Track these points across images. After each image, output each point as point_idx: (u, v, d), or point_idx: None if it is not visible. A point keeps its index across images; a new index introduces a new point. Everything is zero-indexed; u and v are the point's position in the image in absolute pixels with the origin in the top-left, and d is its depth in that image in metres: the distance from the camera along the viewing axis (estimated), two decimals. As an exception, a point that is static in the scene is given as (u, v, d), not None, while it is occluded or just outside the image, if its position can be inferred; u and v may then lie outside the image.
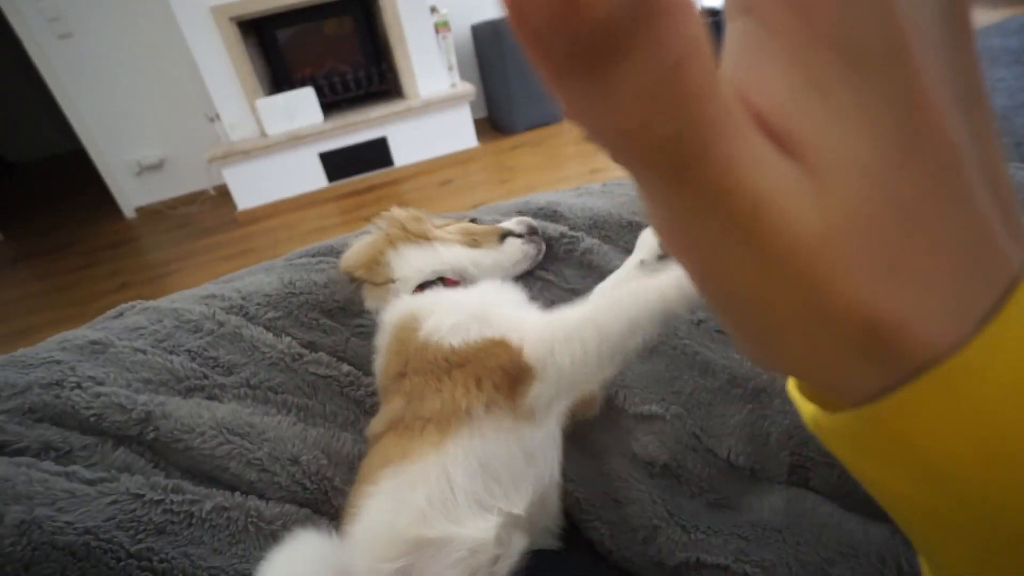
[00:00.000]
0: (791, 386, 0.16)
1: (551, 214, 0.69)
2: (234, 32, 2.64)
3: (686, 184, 0.10)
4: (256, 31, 2.85)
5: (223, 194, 3.15)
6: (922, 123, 0.11)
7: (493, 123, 3.46)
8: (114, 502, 0.43)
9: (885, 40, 0.10)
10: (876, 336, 0.11)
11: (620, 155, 0.11)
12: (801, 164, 0.11)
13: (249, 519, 0.46)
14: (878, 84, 0.11)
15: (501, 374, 0.45)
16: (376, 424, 0.51)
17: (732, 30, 0.12)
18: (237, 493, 0.48)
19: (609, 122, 0.10)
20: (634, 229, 0.65)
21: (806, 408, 0.15)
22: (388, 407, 0.50)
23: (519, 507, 0.45)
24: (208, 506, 0.45)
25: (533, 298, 0.64)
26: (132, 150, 3.19)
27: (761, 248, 0.11)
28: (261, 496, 0.49)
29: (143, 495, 0.44)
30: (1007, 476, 0.12)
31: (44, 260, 2.87)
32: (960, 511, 0.12)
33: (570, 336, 0.45)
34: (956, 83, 0.11)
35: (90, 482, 0.44)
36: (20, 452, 0.45)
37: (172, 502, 0.45)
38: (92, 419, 0.47)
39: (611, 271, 0.63)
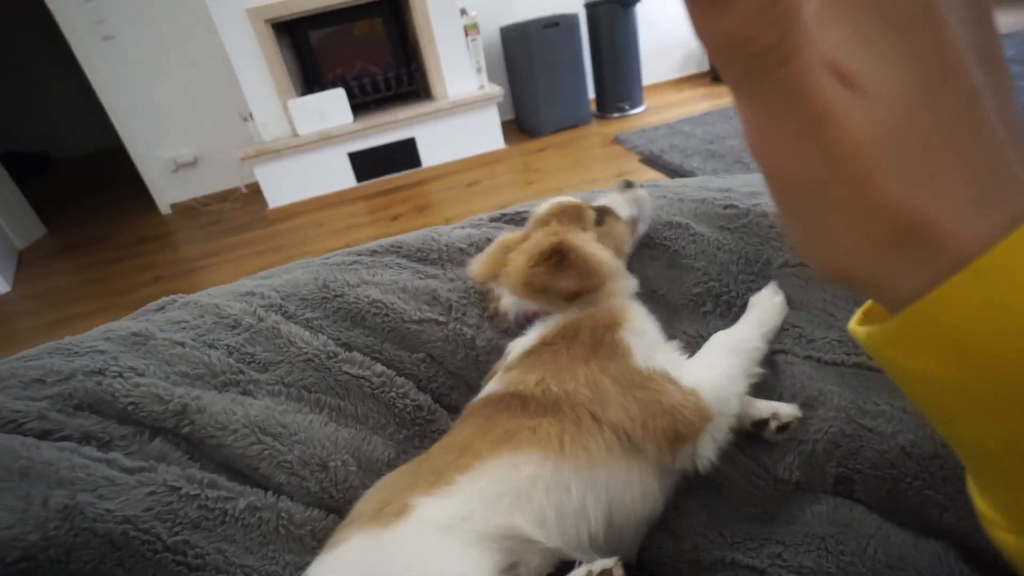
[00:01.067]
0: (852, 323, 0.19)
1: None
2: (268, 33, 2.69)
3: (778, 82, 0.14)
4: (289, 33, 2.90)
5: (254, 192, 3.22)
6: (947, 68, 0.14)
7: (520, 125, 3.46)
8: (152, 492, 0.43)
9: (918, 5, 0.14)
10: (914, 229, 0.15)
11: (733, 60, 0.14)
12: (858, 93, 0.14)
13: (280, 521, 0.46)
14: (914, 37, 0.14)
15: (670, 419, 0.46)
16: (494, 386, 0.51)
17: (807, 5, 0.15)
18: (269, 493, 0.48)
19: (730, 31, 0.13)
20: (673, 228, 0.64)
21: (861, 332, 0.18)
22: (514, 376, 0.50)
23: (627, 551, 0.46)
24: (242, 504, 0.46)
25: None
26: (168, 148, 3.28)
27: (826, 144, 0.14)
28: (291, 498, 0.49)
29: (180, 488, 0.44)
30: None
31: (83, 252, 2.96)
32: (996, 390, 0.15)
33: (731, 384, 0.48)
34: (977, 45, 0.15)
35: (129, 471, 0.45)
36: (63, 440, 0.46)
37: (207, 498, 0.45)
38: (131, 408, 0.48)
39: (647, 278, 0.62)
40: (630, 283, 0.58)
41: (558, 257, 0.53)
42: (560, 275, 0.52)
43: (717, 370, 0.49)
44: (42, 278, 2.73)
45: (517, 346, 0.55)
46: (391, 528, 0.41)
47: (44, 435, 0.46)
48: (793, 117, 0.14)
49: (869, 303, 0.19)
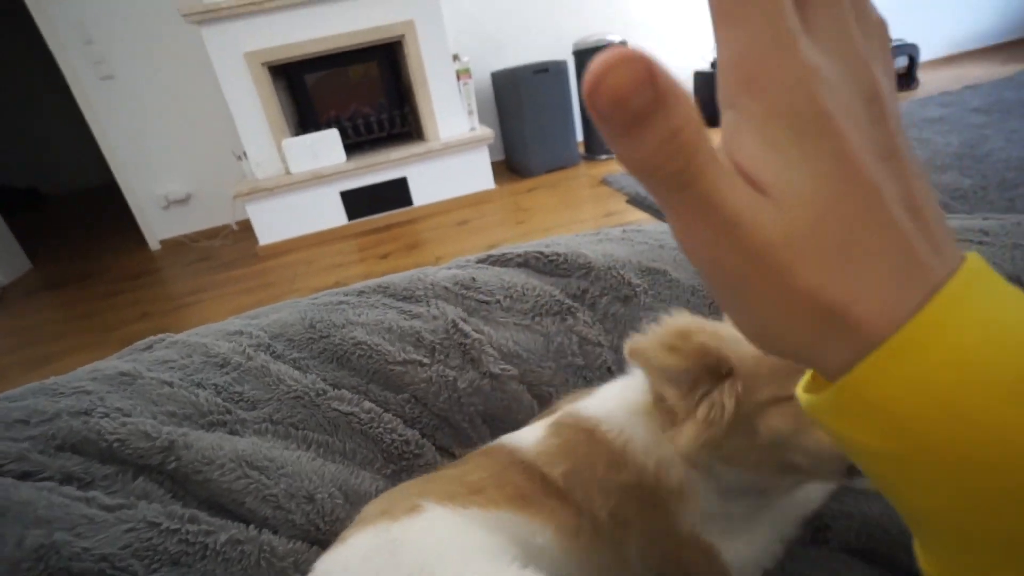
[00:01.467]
0: (799, 388, 0.20)
1: (578, 257, 0.71)
2: (265, 76, 2.76)
3: (688, 200, 0.16)
4: (286, 75, 2.98)
5: (245, 228, 3.23)
6: (847, 170, 0.16)
7: (510, 165, 3.53)
8: (131, 529, 0.43)
9: (815, 117, 0.16)
10: (832, 314, 0.16)
11: (649, 181, 0.16)
12: (767, 196, 0.16)
13: (262, 554, 0.46)
14: (814, 145, 0.16)
15: None
16: (526, 441, 0.48)
17: (723, 117, 0.17)
18: (251, 527, 0.48)
19: (641, 160, 0.15)
20: (651, 274, 0.66)
21: (804, 398, 0.19)
22: (546, 449, 0.47)
23: None
24: (223, 538, 0.45)
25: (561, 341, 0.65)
26: (161, 185, 3.31)
27: (740, 244, 0.16)
28: (275, 532, 0.49)
29: (159, 523, 0.44)
30: (954, 426, 0.15)
31: (70, 288, 2.94)
32: (924, 459, 0.16)
33: (762, 560, 0.45)
34: (877, 143, 0.16)
35: (109, 508, 0.44)
36: (43, 481, 0.46)
37: (188, 532, 0.45)
38: (116, 445, 0.48)
39: (626, 321, 0.64)
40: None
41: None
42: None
43: (756, 546, 0.45)
44: (24, 314, 2.70)
45: (573, 413, 0.50)
46: (402, 520, 0.41)
47: (24, 476, 0.45)
48: (707, 224, 0.16)
49: (812, 371, 0.20)
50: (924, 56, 3.99)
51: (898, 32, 4.02)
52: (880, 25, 0.19)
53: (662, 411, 0.44)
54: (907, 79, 3.65)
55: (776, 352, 0.19)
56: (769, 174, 0.16)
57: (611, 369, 0.66)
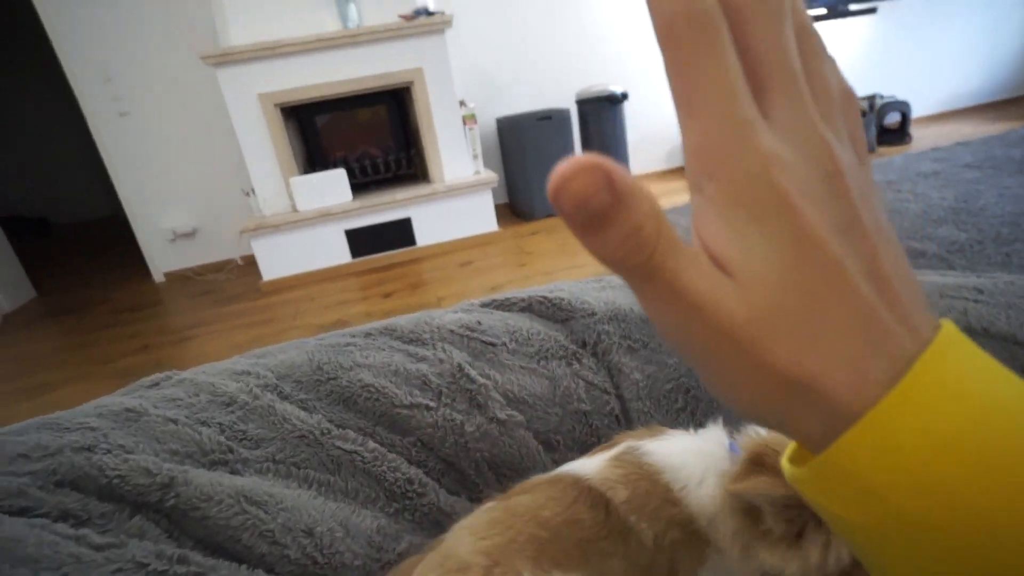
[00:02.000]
0: (783, 459, 0.21)
1: (582, 304, 0.72)
2: (277, 117, 2.84)
3: (654, 288, 0.17)
4: (296, 116, 3.07)
5: (250, 263, 3.26)
6: (808, 247, 0.16)
7: (513, 209, 3.59)
8: (118, 570, 0.42)
9: (773, 199, 0.16)
10: (804, 389, 0.16)
11: (617, 271, 0.17)
12: (730, 275, 0.17)
13: (254, 596, 0.46)
14: (773, 226, 0.16)
15: None
16: (590, 469, 0.49)
17: (691, 198, 0.18)
18: (244, 567, 0.47)
19: (606, 255, 0.16)
20: (652, 325, 0.67)
21: (787, 469, 0.20)
22: (610, 475, 0.48)
23: None
24: (213, 581, 0.45)
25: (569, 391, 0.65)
26: (169, 218, 3.35)
27: (706, 326, 0.17)
28: (270, 570, 0.48)
29: (148, 564, 0.43)
30: (932, 500, 0.16)
31: (71, 318, 2.94)
32: (903, 532, 0.16)
33: None
34: (838, 218, 0.17)
35: (98, 547, 0.44)
36: (39, 517, 0.45)
37: (175, 573, 0.44)
38: (116, 481, 0.48)
39: (628, 371, 0.65)
40: None
41: None
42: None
43: None
44: (24, 342, 2.69)
45: (637, 454, 0.50)
46: None
47: (21, 512, 0.45)
48: (674, 309, 0.17)
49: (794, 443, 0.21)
50: (916, 112, 4.12)
51: (890, 89, 4.16)
52: (844, 95, 0.19)
53: (743, 512, 0.44)
54: (900, 134, 3.75)
55: (759, 423, 0.19)
56: (732, 254, 0.17)
57: (619, 418, 0.66)
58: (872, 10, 3.77)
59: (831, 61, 0.19)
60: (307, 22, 2.81)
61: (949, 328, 0.18)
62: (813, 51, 0.18)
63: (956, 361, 0.17)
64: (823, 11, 3.70)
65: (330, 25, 2.84)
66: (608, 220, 0.15)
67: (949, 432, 0.16)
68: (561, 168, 0.15)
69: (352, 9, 2.78)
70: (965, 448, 0.16)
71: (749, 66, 0.17)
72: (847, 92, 0.19)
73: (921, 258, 1.96)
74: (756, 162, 0.16)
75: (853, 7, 3.75)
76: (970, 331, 0.59)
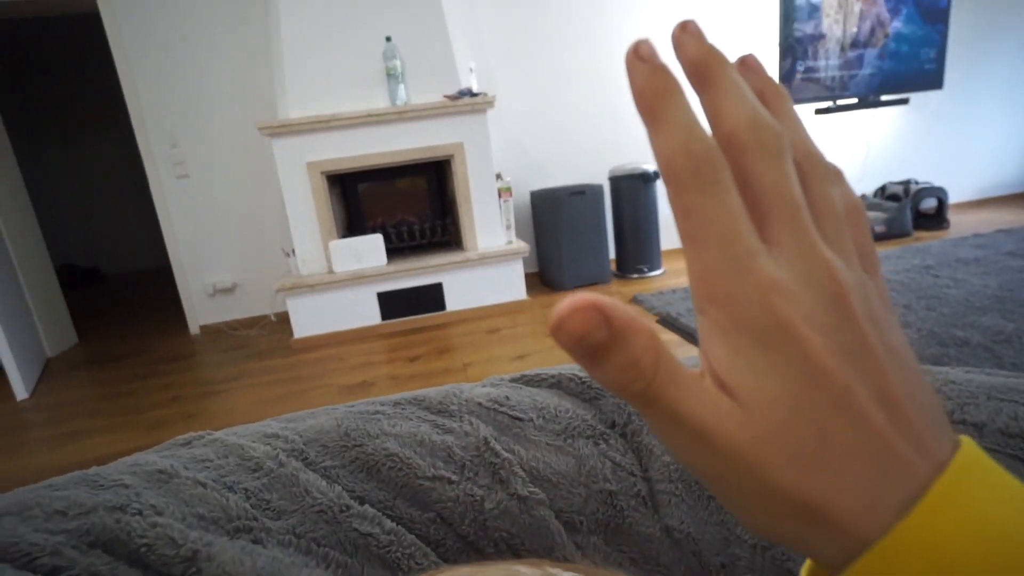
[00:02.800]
0: (803, 571, 0.20)
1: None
2: (322, 184, 3.00)
3: (656, 413, 0.17)
4: (340, 183, 3.24)
5: (283, 320, 3.35)
6: (815, 373, 0.16)
7: (543, 279, 3.63)
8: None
9: (776, 326, 0.17)
10: (813, 513, 0.16)
11: (619, 396, 0.17)
12: (734, 400, 0.17)
13: None
14: (777, 351, 0.17)
15: None
16: None
17: (697, 321, 0.19)
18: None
19: (607, 382, 0.17)
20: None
21: None
22: None
23: None
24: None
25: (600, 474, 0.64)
26: (211, 274, 3.50)
27: (710, 450, 0.17)
28: None
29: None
30: None
31: (108, 366, 3.03)
32: None
33: None
34: (845, 343, 0.17)
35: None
36: (64, 576, 0.46)
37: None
38: (143, 549, 0.48)
39: (659, 453, 0.63)
40: None
41: None
42: None
43: None
44: (62, 388, 2.77)
45: None
46: None
47: (55, 571, 0.46)
48: (678, 433, 0.17)
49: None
50: (952, 199, 4.10)
51: (926, 175, 4.17)
52: (851, 210, 0.19)
53: None
54: (937, 219, 3.72)
55: (775, 543, 0.19)
56: (736, 379, 0.17)
57: (645, 500, 0.64)
58: (904, 100, 3.85)
59: (836, 176, 0.20)
60: (358, 99, 3.01)
61: (968, 448, 0.17)
62: (816, 175, 0.19)
63: (973, 486, 0.16)
64: (854, 100, 3.79)
65: (380, 102, 3.03)
66: (606, 353, 0.16)
67: (963, 562, 0.15)
68: (560, 307, 0.16)
69: (401, 89, 2.98)
70: None
71: (750, 199, 0.18)
72: (853, 206, 0.20)
73: (965, 347, 1.89)
74: (756, 290, 0.17)
75: (884, 97, 3.84)
76: (1022, 438, 0.56)
